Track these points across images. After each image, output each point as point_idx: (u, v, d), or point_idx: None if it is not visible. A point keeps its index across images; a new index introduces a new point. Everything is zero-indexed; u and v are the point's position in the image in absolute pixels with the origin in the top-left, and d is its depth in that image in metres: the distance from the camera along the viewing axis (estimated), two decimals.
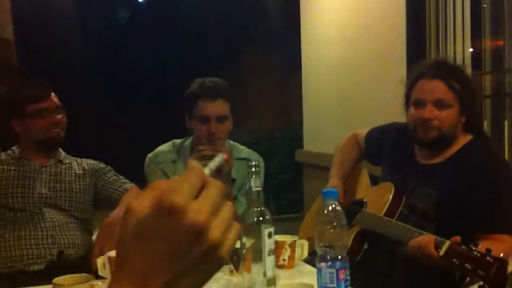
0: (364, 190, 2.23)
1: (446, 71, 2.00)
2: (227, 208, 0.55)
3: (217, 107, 2.17)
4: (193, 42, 8.23)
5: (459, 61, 3.04)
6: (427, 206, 1.95)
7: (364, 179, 2.27)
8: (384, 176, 2.21)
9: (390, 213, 1.99)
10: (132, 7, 9.15)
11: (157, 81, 9.17)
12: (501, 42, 2.97)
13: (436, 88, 1.96)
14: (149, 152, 2.36)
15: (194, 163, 0.55)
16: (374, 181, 2.25)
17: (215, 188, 0.55)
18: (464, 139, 2.00)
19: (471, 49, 3.12)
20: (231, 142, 2.36)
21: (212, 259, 0.53)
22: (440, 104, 1.95)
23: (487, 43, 3.05)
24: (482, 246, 1.71)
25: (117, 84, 9.07)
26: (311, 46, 4.46)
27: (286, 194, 5.86)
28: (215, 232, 0.53)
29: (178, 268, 0.52)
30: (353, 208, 2.14)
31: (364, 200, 2.16)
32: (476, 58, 3.09)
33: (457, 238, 1.59)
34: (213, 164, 0.60)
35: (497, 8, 2.95)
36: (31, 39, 8.17)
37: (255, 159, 2.33)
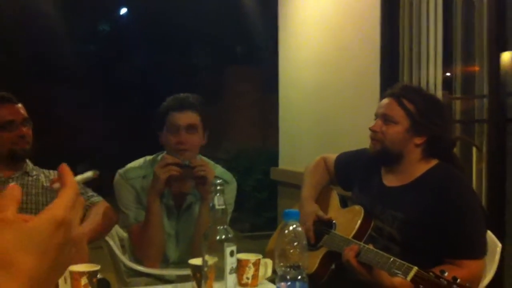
0: (334, 211, 2.23)
1: (403, 91, 2.06)
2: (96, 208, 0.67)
3: (186, 117, 2.21)
4: (173, 57, 8.25)
5: (431, 86, 3.10)
6: (393, 229, 1.98)
7: (334, 200, 2.28)
8: (354, 200, 2.23)
9: (358, 235, 2.00)
10: (113, 20, 9.16)
11: (137, 95, 9.15)
12: (472, 68, 3.04)
13: (386, 104, 2.04)
14: (124, 166, 2.37)
15: (69, 176, 0.64)
16: (344, 202, 2.27)
17: (81, 207, 0.64)
18: (429, 163, 2.03)
19: (443, 74, 3.19)
20: (204, 158, 2.37)
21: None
22: (386, 119, 2.02)
23: (458, 69, 3.12)
24: (449, 274, 1.77)
25: (96, 95, 9.03)
26: (288, 68, 4.51)
27: (261, 212, 5.87)
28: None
29: (55, 276, 0.59)
30: (322, 229, 2.15)
31: (333, 221, 2.18)
32: (448, 82, 3.16)
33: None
34: (80, 178, 0.68)
35: (468, 35, 3.02)
36: (13, 49, 8.12)
37: (228, 178, 2.34)
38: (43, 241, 0.56)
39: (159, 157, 2.33)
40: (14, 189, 0.60)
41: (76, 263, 1.63)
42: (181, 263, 2.21)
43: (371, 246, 1.86)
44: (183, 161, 2.16)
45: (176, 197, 2.29)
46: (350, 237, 1.99)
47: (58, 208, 0.58)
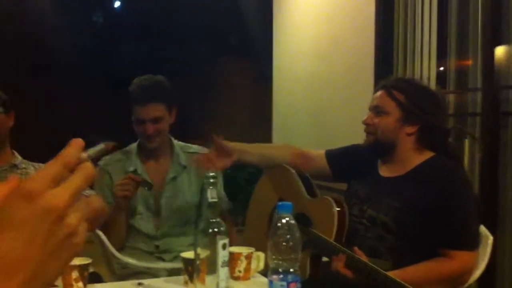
0: (303, 202, 2.13)
1: (394, 82, 2.09)
2: (88, 199, 0.57)
3: (150, 110, 2.28)
4: (166, 49, 8.21)
5: (425, 80, 3.09)
6: (387, 218, 1.97)
7: (299, 187, 2.19)
8: (349, 191, 2.21)
9: (339, 235, 1.97)
10: (107, 11, 9.10)
11: (128, 85, 9.10)
12: (466, 62, 3.04)
13: (376, 96, 2.07)
14: None
15: (67, 149, 0.56)
16: (310, 189, 2.19)
17: (81, 174, 0.55)
18: (424, 155, 2.04)
19: (437, 68, 3.18)
20: (181, 143, 2.48)
21: (70, 246, 0.54)
22: (377, 111, 2.05)
23: (452, 63, 3.12)
24: (441, 265, 1.79)
25: (88, 88, 8.99)
26: (282, 59, 4.50)
27: None
28: (72, 218, 0.53)
29: (41, 254, 0.52)
30: (298, 227, 2.09)
31: (307, 215, 2.08)
32: (442, 77, 3.15)
33: None
34: (93, 151, 0.61)
35: (463, 29, 3.02)
36: (3, 39, 8.07)
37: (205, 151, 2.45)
38: (7, 216, 0.51)
39: (130, 147, 2.44)
40: (11, 178, 0.55)
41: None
42: (165, 237, 2.34)
43: (363, 257, 1.82)
44: (143, 180, 2.27)
45: (156, 173, 2.38)
46: (332, 239, 1.94)
47: (27, 180, 0.52)
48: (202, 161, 2.20)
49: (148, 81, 2.35)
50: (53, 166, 0.54)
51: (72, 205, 0.54)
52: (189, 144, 2.52)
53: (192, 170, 2.41)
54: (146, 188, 2.26)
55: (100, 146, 0.64)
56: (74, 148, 0.56)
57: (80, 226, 0.54)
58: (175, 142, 2.46)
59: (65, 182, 0.54)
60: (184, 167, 2.41)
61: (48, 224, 0.52)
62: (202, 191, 2.38)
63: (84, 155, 0.58)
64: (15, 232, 0.51)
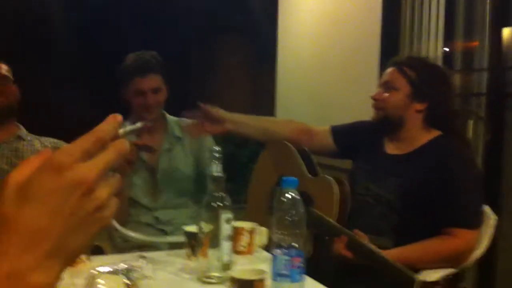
0: (305, 181, 2.11)
1: (405, 60, 2.11)
2: (117, 178, 0.56)
3: (150, 81, 2.34)
4: (169, 28, 8.17)
5: (431, 60, 3.07)
6: (392, 195, 1.97)
7: (300, 165, 2.18)
8: (355, 168, 2.21)
9: (341, 215, 1.98)
10: None
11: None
12: (472, 43, 3.01)
13: (387, 73, 2.08)
14: None
15: (102, 124, 0.56)
16: (311, 167, 2.18)
17: (114, 150, 0.55)
18: (431, 133, 2.03)
19: (444, 48, 3.16)
20: (175, 118, 2.51)
21: (98, 219, 0.54)
22: (387, 86, 2.05)
23: (459, 43, 3.09)
24: (443, 243, 1.80)
25: (90, 66, 8.95)
26: (287, 40, 4.46)
27: None
28: (102, 192, 0.53)
29: (66, 227, 0.52)
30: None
31: (309, 194, 2.07)
32: (448, 57, 3.13)
33: None
34: (130, 127, 0.61)
35: (470, 10, 2.99)
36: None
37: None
38: (33, 188, 0.51)
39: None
40: (44, 151, 0.55)
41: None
42: (164, 208, 2.37)
43: (364, 239, 1.83)
44: (143, 144, 2.26)
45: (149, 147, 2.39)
46: (333, 219, 1.93)
47: (57, 152, 0.52)
48: (191, 128, 2.27)
49: (145, 54, 2.40)
50: (85, 140, 0.54)
51: (102, 179, 0.53)
52: (183, 118, 2.53)
53: (187, 141, 2.45)
54: (148, 151, 2.28)
55: (137, 125, 0.65)
56: (110, 123, 0.56)
57: (110, 200, 0.54)
58: (169, 116, 2.50)
59: (97, 156, 0.53)
60: (179, 138, 2.44)
61: (75, 197, 0.51)
62: (199, 164, 2.43)
63: (121, 131, 0.58)
64: (40, 203, 0.50)
